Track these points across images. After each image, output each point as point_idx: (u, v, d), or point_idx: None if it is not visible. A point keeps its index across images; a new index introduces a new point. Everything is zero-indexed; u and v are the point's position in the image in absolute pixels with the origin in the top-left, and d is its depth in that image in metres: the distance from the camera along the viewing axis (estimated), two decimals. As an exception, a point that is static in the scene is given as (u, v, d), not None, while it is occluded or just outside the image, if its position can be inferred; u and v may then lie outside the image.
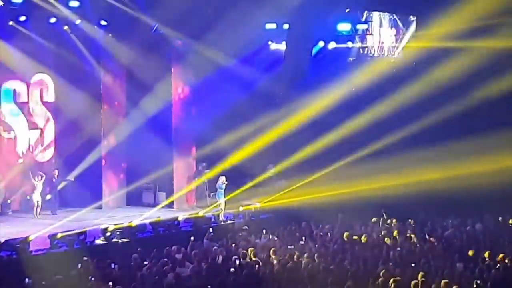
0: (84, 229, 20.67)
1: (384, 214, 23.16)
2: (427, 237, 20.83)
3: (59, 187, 25.56)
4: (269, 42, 27.70)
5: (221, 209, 24.52)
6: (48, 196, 25.29)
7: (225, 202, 24.61)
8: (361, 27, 27.28)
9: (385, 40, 27.87)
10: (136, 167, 26.68)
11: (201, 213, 23.83)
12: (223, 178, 24.79)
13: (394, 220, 22.94)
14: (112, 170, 27.18)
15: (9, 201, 25.30)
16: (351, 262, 17.69)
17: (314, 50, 27.61)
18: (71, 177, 25.77)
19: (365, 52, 27.78)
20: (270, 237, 21.41)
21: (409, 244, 19.91)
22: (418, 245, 19.93)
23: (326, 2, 25.12)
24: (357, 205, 24.09)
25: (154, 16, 24.85)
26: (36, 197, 24.63)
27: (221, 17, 24.39)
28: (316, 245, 19.94)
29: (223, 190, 24.65)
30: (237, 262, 17.85)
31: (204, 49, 25.73)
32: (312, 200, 24.87)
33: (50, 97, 26.65)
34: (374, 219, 23.20)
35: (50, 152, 26.81)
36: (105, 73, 26.46)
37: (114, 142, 26.89)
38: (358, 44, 27.55)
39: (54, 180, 25.60)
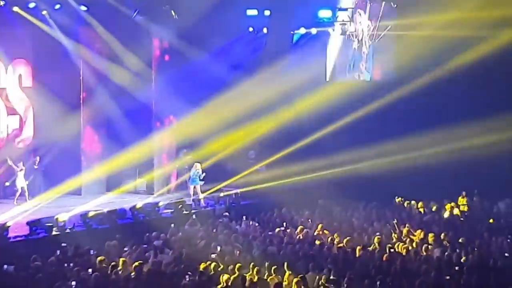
0: (63, 215, 20.51)
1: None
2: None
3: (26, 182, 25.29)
4: (250, 29, 27.61)
5: (198, 195, 24.57)
6: (26, 182, 25.07)
7: (201, 187, 24.78)
8: (342, 14, 27.21)
9: (365, 28, 27.85)
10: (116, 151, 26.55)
11: (182, 199, 23.75)
12: (198, 165, 24.90)
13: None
14: (92, 157, 26.99)
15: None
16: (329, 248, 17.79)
17: (295, 37, 27.58)
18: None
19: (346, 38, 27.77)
20: (251, 223, 21.42)
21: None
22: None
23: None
24: (337, 189, 24.21)
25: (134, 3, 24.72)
26: (20, 183, 24.41)
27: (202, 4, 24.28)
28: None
29: (198, 177, 24.69)
30: (218, 248, 17.86)
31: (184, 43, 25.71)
32: (292, 185, 24.94)
33: (28, 82, 26.43)
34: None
35: (29, 138, 26.61)
36: (84, 59, 26.22)
37: (93, 131, 26.72)
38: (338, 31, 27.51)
39: (35, 166, 25.44)
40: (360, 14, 27.61)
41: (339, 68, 28.25)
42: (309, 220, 21.82)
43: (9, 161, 24.60)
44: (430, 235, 18.72)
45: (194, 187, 25.00)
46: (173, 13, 25.59)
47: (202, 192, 25.11)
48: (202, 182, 25.01)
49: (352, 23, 27.25)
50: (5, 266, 16.15)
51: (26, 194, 24.49)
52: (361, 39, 27.91)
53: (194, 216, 21.93)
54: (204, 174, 25.00)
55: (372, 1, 27.51)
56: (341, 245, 18.24)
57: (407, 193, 24.10)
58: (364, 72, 28.18)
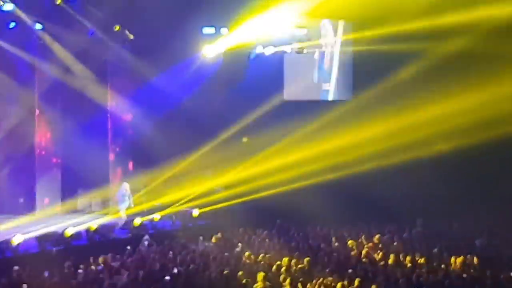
0: (16, 238, 20.16)
1: None
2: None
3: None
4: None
5: (123, 217, 24.26)
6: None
7: (126, 209, 24.44)
8: (298, 32, 27.25)
9: (328, 45, 27.98)
10: (71, 173, 26.25)
11: (137, 221, 23.48)
12: (127, 186, 24.61)
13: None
14: (47, 176, 26.61)
15: None
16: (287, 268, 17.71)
17: (252, 55, 27.61)
18: None
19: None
20: (207, 244, 21.29)
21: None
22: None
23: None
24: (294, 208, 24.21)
25: (90, 20, 24.56)
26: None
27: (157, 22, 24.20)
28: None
29: (126, 197, 24.45)
30: (175, 269, 17.69)
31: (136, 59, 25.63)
32: (251, 203, 24.90)
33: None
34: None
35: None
36: (41, 76, 25.91)
37: (49, 147, 26.40)
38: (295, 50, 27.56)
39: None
40: (322, 32, 27.73)
41: (296, 87, 28.27)
42: (267, 240, 21.73)
43: None
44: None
45: (120, 207, 24.48)
46: (128, 33, 25.51)
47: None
48: (128, 204, 24.56)
49: (311, 41, 27.33)
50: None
51: None
52: (324, 53, 28.01)
53: (146, 237, 21.66)
54: (130, 195, 24.66)
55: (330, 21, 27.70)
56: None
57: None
58: (326, 87, 28.27)
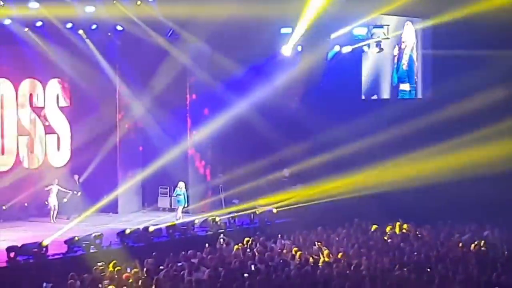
0: (100, 233, 20.67)
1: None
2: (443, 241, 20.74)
3: (65, 199, 25.55)
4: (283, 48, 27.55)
5: (180, 217, 24.50)
6: (65, 200, 25.37)
7: (183, 208, 24.77)
8: (377, 31, 27.12)
9: (408, 44, 27.71)
10: (152, 172, 26.74)
11: (217, 218, 23.74)
12: (182, 185, 24.82)
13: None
14: (128, 174, 27.15)
15: (26, 204, 25.40)
16: (368, 268, 17.60)
17: (330, 55, 27.55)
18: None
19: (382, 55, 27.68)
20: (285, 242, 21.34)
21: (425, 249, 19.80)
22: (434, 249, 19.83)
23: (343, 6, 25.00)
24: (373, 208, 24.08)
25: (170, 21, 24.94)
26: (53, 201, 24.73)
27: (237, 21, 24.35)
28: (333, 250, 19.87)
29: (182, 197, 24.71)
30: (253, 267, 17.82)
31: (218, 55, 25.82)
32: (328, 203, 24.84)
33: (66, 102, 26.74)
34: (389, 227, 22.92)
35: (66, 157, 26.88)
36: (120, 77, 26.47)
37: (131, 145, 26.91)
38: (374, 49, 27.40)
39: (76, 184, 25.71)
40: (403, 31, 27.48)
41: (375, 86, 28.13)
42: (345, 239, 21.68)
43: (55, 183, 24.88)
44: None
45: (178, 208, 24.81)
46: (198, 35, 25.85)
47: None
48: (183, 204, 24.88)
49: (389, 40, 27.15)
50: (44, 284, 16.28)
51: (55, 212, 24.71)
52: (401, 56, 27.77)
53: (221, 236, 21.85)
54: (186, 194, 24.93)
55: (412, 19, 27.41)
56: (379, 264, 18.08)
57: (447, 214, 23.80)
58: (404, 87, 28.01)
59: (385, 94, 28.18)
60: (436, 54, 27.15)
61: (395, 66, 28.06)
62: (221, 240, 21.30)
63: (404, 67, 28.00)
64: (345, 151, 26.27)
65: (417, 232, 21.98)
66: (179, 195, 24.83)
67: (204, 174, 27.58)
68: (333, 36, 26.74)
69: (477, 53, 25.21)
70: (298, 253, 19.19)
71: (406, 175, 25.46)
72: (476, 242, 20.37)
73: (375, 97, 28.05)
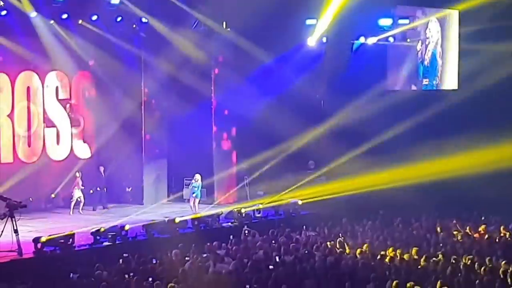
0: (126, 225, 20.80)
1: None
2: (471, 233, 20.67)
3: (91, 191, 25.73)
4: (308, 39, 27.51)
5: (195, 207, 24.45)
6: (91, 191, 25.57)
7: (198, 201, 24.69)
8: (402, 22, 27.02)
9: (434, 35, 27.57)
10: (177, 163, 26.83)
11: (242, 210, 23.76)
12: (198, 177, 24.75)
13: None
14: (153, 165, 27.24)
15: (52, 195, 25.62)
16: (392, 259, 17.58)
17: (355, 46, 27.48)
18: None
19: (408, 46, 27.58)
20: (310, 234, 21.36)
21: (451, 241, 19.73)
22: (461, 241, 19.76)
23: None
24: (398, 202, 24.01)
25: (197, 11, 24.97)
26: (78, 193, 24.89)
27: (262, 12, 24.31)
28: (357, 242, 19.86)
29: (197, 189, 24.63)
30: (277, 258, 17.86)
31: (243, 46, 25.83)
32: (352, 195, 24.80)
33: (91, 94, 26.90)
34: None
35: (92, 148, 27.05)
36: (146, 69, 26.56)
37: (156, 138, 27.00)
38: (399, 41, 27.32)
39: (101, 176, 25.88)
40: (428, 22, 27.33)
41: (400, 77, 28.02)
42: (369, 230, 21.65)
43: (78, 173, 25.07)
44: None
45: (194, 200, 24.72)
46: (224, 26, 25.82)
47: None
48: (199, 197, 24.84)
49: (415, 31, 27.02)
50: (71, 275, 16.42)
51: (81, 204, 24.90)
52: (426, 47, 27.64)
53: (245, 227, 21.86)
54: (201, 187, 24.82)
55: (437, 10, 27.27)
56: (405, 256, 18.02)
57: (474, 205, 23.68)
58: (430, 80, 27.90)
59: (410, 86, 28.07)
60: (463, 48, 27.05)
61: (420, 60, 27.97)
62: (246, 231, 21.35)
63: (426, 63, 27.90)
64: (370, 143, 26.29)
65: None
66: (195, 187, 24.73)
67: (229, 166, 27.57)
68: (357, 27, 26.66)
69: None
70: (323, 244, 19.24)
71: (431, 167, 25.40)
72: (502, 233, 20.31)
73: (399, 88, 27.94)
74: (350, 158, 26.31)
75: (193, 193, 24.74)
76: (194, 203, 24.68)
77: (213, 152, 27.09)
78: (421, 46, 27.70)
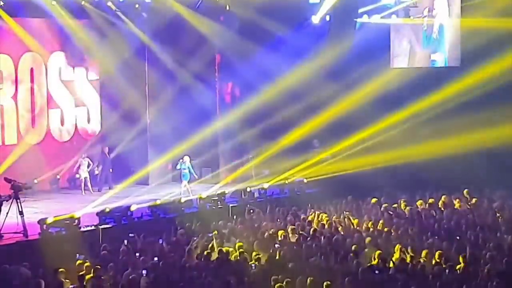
0: (131, 205, 20.84)
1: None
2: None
3: (96, 172, 25.78)
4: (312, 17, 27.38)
5: (183, 190, 24.17)
6: (96, 172, 25.63)
7: (188, 183, 24.35)
8: (405, -1, 26.86)
9: (439, 12, 27.36)
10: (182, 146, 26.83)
11: (247, 189, 23.75)
12: (186, 159, 24.47)
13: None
14: (158, 148, 27.23)
15: (58, 176, 25.69)
16: (398, 236, 17.64)
17: (358, 24, 27.36)
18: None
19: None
20: (315, 212, 21.38)
21: (456, 217, 19.75)
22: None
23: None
24: (401, 178, 24.02)
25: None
26: (83, 174, 24.96)
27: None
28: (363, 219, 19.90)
29: (187, 171, 24.39)
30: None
31: (246, 26, 25.76)
32: (358, 173, 24.78)
33: (95, 75, 26.89)
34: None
35: (96, 129, 27.08)
36: (150, 50, 26.50)
37: (159, 127, 27.00)
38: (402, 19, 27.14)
39: (106, 157, 25.92)
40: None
41: (404, 54, 27.86)
42: (373, 208, 21.65)
43: (83, 154, 25.12)
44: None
45: (184, 182, 24.29)
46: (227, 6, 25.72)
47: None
48: (187, 178, 24.37)
49: (418, 8, 26.88)
50: (77, 255, 16.49)
51: (89, 184, 24.97)
52: (432, 24, 27.43)
53: (249, 206, 21.86)
54: (190, 168, 24.42)
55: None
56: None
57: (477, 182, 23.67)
58: (435, 57, 27.73)
59: (416, 63, 27.90)
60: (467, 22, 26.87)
61: (426, 35, 27.78)
62: (250, 210, 21.40)
63: (435, 35, 27.70)
64: (375, 123, 26.23)
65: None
66: (184, 169, 24.39)
67: (233, 148, 27.52)
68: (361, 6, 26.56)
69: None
70: (329, 222, 19.29)
71: (436, 145, 25.36)
72: (506, 209, 20.35)
73: (404, 65, 27.79)
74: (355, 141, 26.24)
75: (183, 175, 24.42)
76: (185, 186, 24.38)
77: (217, 135, 27.08)
78: (428, 19, 27.47)
